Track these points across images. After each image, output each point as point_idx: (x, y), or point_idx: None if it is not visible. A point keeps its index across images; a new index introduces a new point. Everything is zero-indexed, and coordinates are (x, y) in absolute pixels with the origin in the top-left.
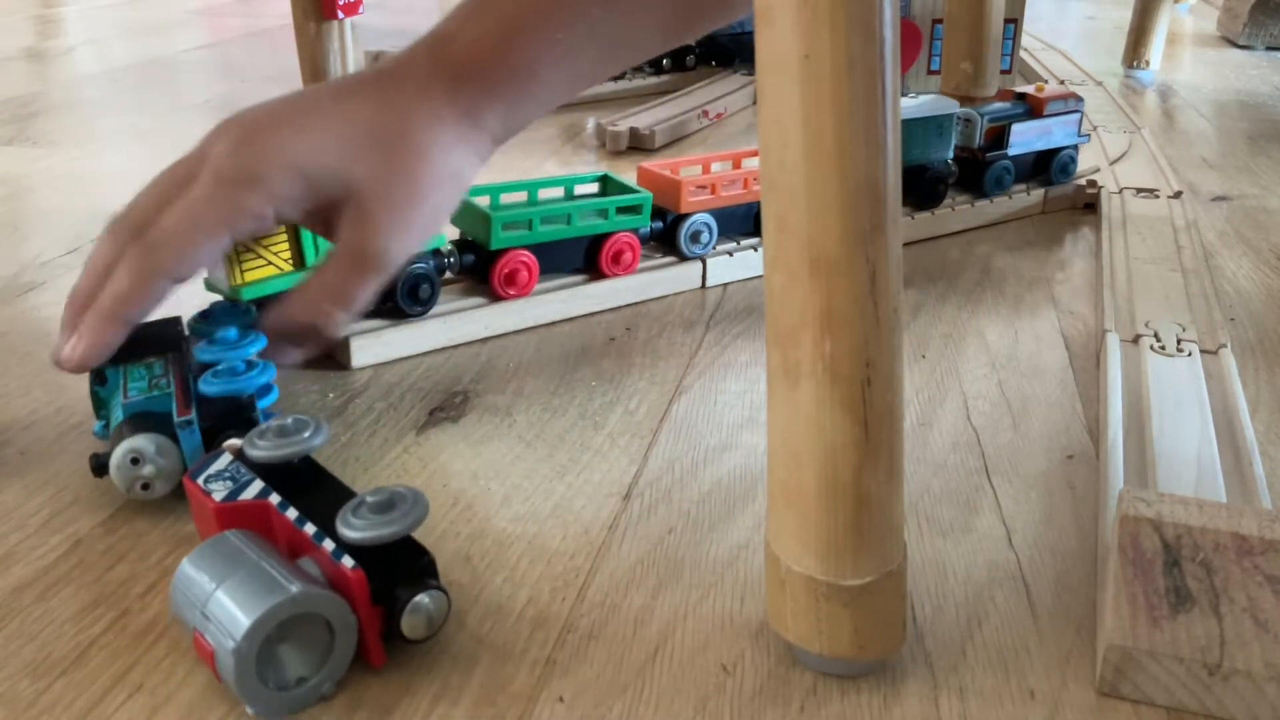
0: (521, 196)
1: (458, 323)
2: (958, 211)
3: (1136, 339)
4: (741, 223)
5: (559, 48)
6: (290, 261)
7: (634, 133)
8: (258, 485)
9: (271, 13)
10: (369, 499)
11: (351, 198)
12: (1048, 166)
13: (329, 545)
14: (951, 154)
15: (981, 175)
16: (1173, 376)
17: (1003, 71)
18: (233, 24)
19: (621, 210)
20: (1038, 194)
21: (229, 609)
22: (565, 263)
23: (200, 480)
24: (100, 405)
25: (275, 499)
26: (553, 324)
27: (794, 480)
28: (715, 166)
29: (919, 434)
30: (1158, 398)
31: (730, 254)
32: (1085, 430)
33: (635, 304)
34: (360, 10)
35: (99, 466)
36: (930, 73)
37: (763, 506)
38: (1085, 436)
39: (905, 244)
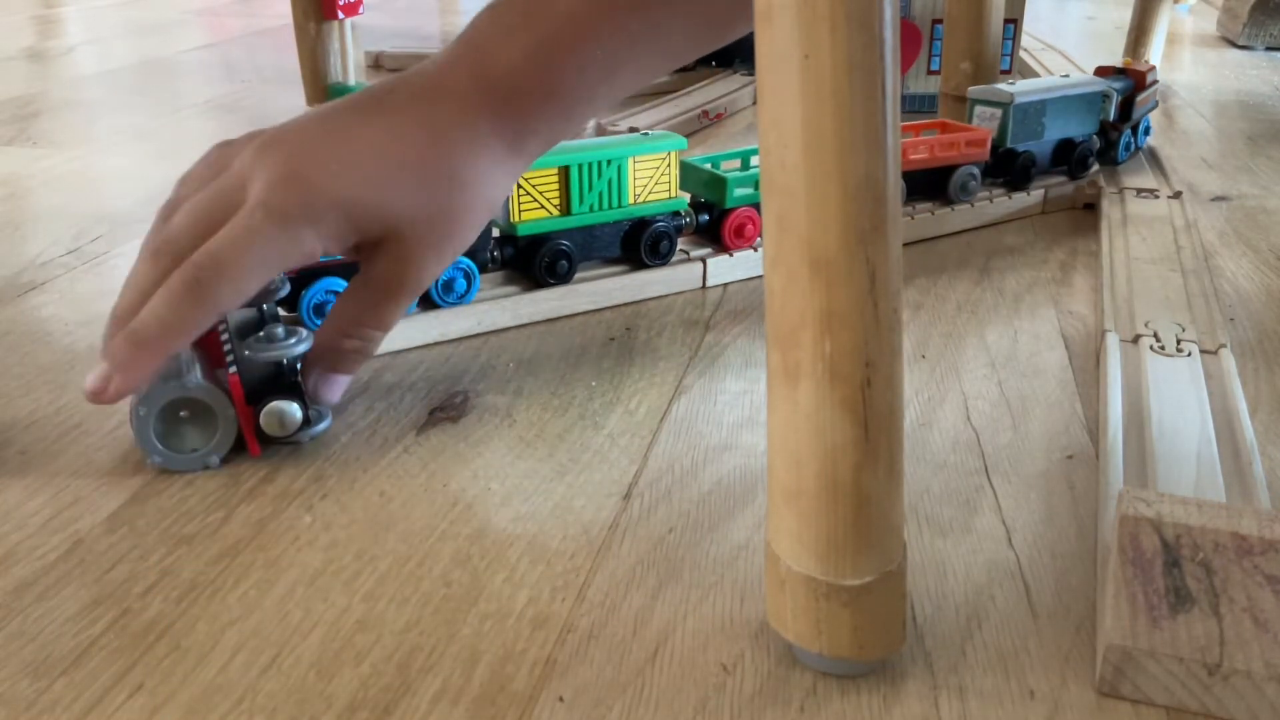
0: (735, 164)
1: (450, 317)
2: (957, 211)
3: (1136, 339)
4: (928, 187)
5: (599, 64)
6: (559, 207)
7: (633, 133)
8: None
9: (271, 13)
10: (277, 331)
11: (391, 234)
12: (1134, 134)
13: (230, 359)
14: (1097, 128)
15: (1116, 145)
16: (1172, 376)
17: (1003, 71)
18: (233, 24)
19: None
20: (1038, 194)
21: (145, 388)
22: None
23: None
24: None
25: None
26: (553, 321)
27: (794, 480)
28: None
29: (919, 434)
30: (1157, 398)
31: (730, 254)
32: (1085, 430)
33: (635, 304)
34: (360, 10)
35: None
36: (930, 73)
37: (763, 506)
38: (1085, 436)
39: (905, 244)
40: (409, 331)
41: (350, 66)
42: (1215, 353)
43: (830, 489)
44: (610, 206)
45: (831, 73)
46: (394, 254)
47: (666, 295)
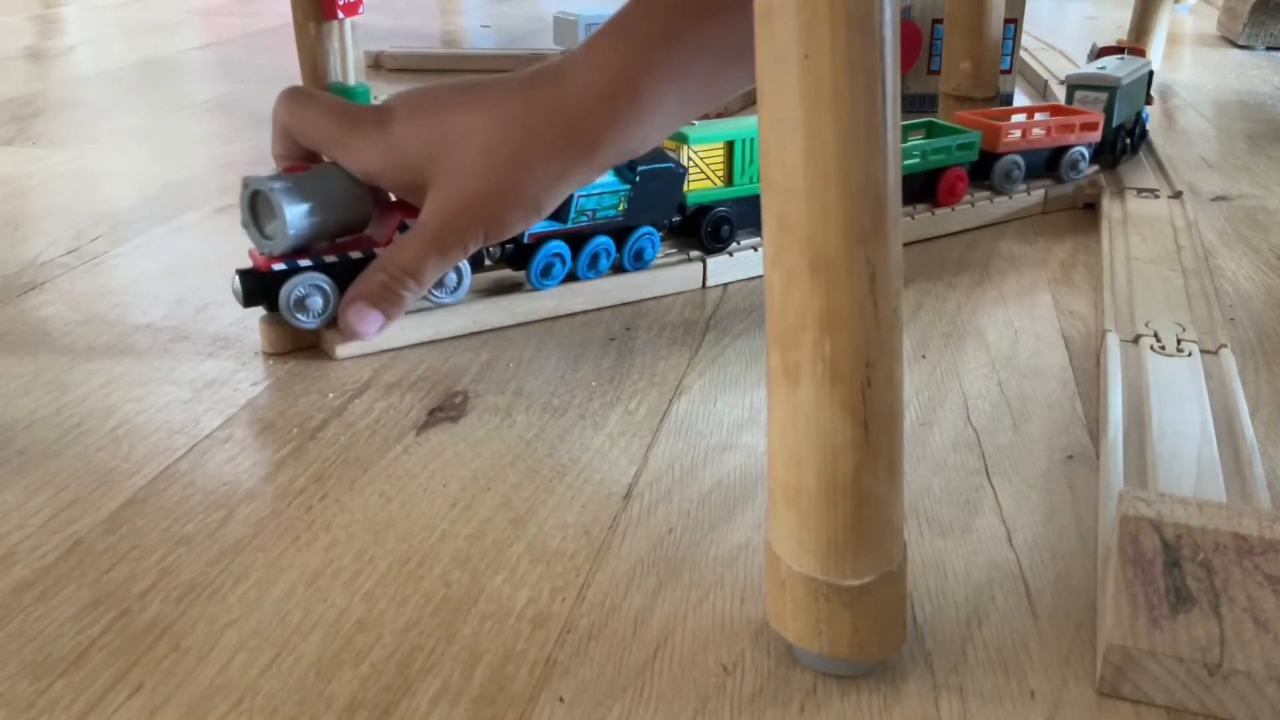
0: None
1: (445, 316)
2: (957, 212)
3: (1137, 339)
4: (1043, 165)
5: (676, 88)
6: (723, 178)
7: None
8: None
9: (271, 13)
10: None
11: (442, 190)
12: None
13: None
14: (1146, 100)
15: (1143, 122)
16: (1173, 376)
17: (1002, 72)
18: (233, 24)
19: (959, 148)
20: (1038, 194)
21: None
22: (911, 193)
23: None
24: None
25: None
26: (553, 320)
27: (794, 480)
28: (1014, 118)
29: (919, 434)
30: (1158, 398)
31: (730, 254)
32: (1085, 430)
33: (635, 303)
34: (360, 10)
35: None
36: (930, 73)
37: (763, 506)
38: (1085, 436)
39: (905, 244)
40: (405, 330)
41: (350, 66)
42: (1215, 353)
43: (830, 489)
44: None
45: (831, 73)
46: (436, 206)
47: (666, 295)
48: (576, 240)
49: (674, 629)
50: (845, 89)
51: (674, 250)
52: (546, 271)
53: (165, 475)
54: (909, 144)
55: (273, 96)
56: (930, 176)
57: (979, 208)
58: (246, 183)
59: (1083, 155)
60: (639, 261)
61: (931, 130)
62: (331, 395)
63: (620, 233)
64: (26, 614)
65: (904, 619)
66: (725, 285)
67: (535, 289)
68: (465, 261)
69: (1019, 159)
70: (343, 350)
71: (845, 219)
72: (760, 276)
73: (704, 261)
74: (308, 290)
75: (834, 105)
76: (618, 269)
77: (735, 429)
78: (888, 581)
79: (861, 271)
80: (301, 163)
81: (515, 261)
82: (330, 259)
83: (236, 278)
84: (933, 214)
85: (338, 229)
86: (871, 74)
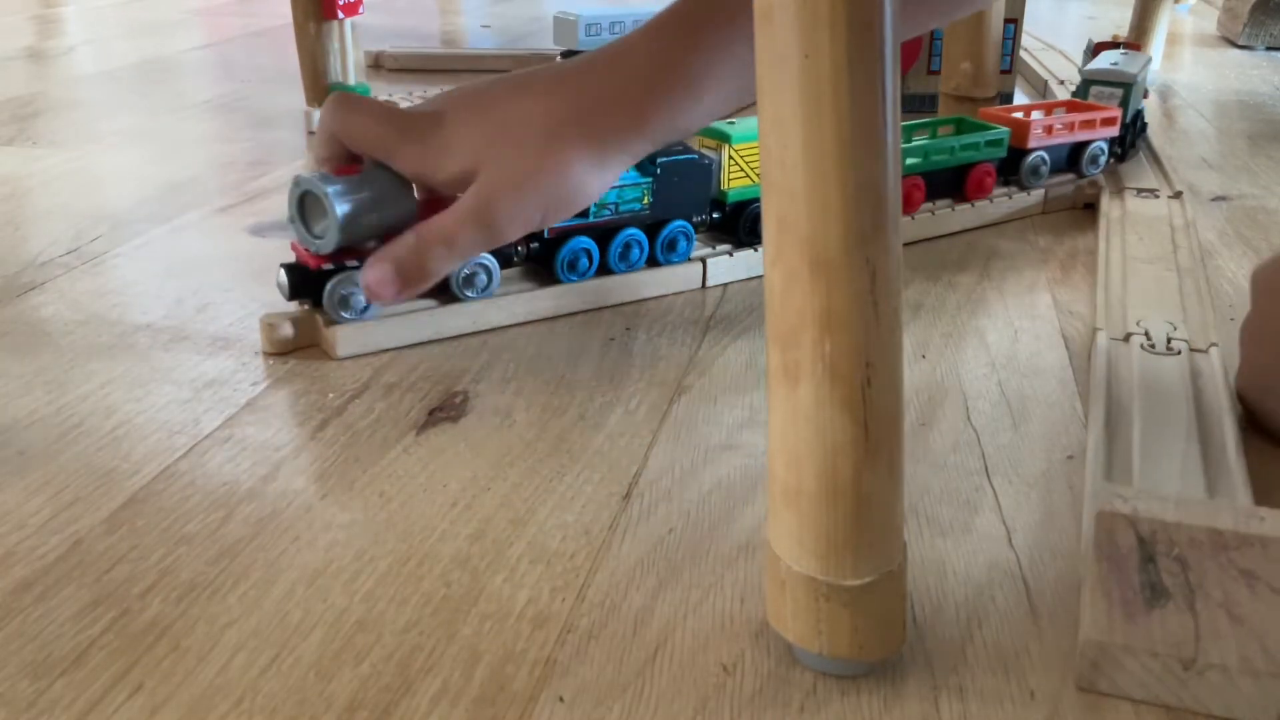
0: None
1: (446, 315)
2: (957, 211)
3: (1127, 338)
4: (1065, 160)
5: (728, 68)
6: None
7: None
8: None
9: (271, 13)
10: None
11: (479, 176)
12: None
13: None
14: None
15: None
16: (1161, 375)
17: (1002, 72)
18: (233, 24)
19: (988, 144)
20: (1038, 194)
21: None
22: (940, 188)
23: None
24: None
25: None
26: (553, 320)
27: (794, 480)
28: (1034, 114)
29: (919, 434)
30: (1144, 396)
31: (730, 254)
32: (1085, 430)
33: (635, 303)
34: (360, 10)
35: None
36: (930, 73)
37: (763, 506)
38: (1085, 436)
39: (905, 244)
40: (405, 330)
41: (350, 66)
42: (1206, 351)
43: (830, 489)
44: None
45: (831, 73)
46: (485, 183)
47: (666, 295)
48: (604, 235)
49: (674, 629)
50: (845, 89)
51: (710, 245)
52: (573, 266)
53: (165, 475)
54: (939, 140)
55: (273, 96)
56: (959, 172)
57: (979, 207)
58: (298, 182)
59: (1102, 149)
60: (672, 254)
61: (961, 127)
62: (331, 395)
63: (651, 227)
64: (26, 614)
65: (904, 619)
66: (725, 285)
67: (562, 283)
68: (495, 261)
69: (1045, 154)
70: (343, 350)
71: (845, 219)
72: (760, 276)
73: (704, 262)
74: (350, 288)
75: (834, 105)
76: (652, 262)
77: (735, 429)
78: (888, 581)
79: (861, 272)
80: (345, 165)
81: (541, 258)
82: None
83: (282, 271)
84: (933, 214)
85: (384, 229)
86: (871, 74)
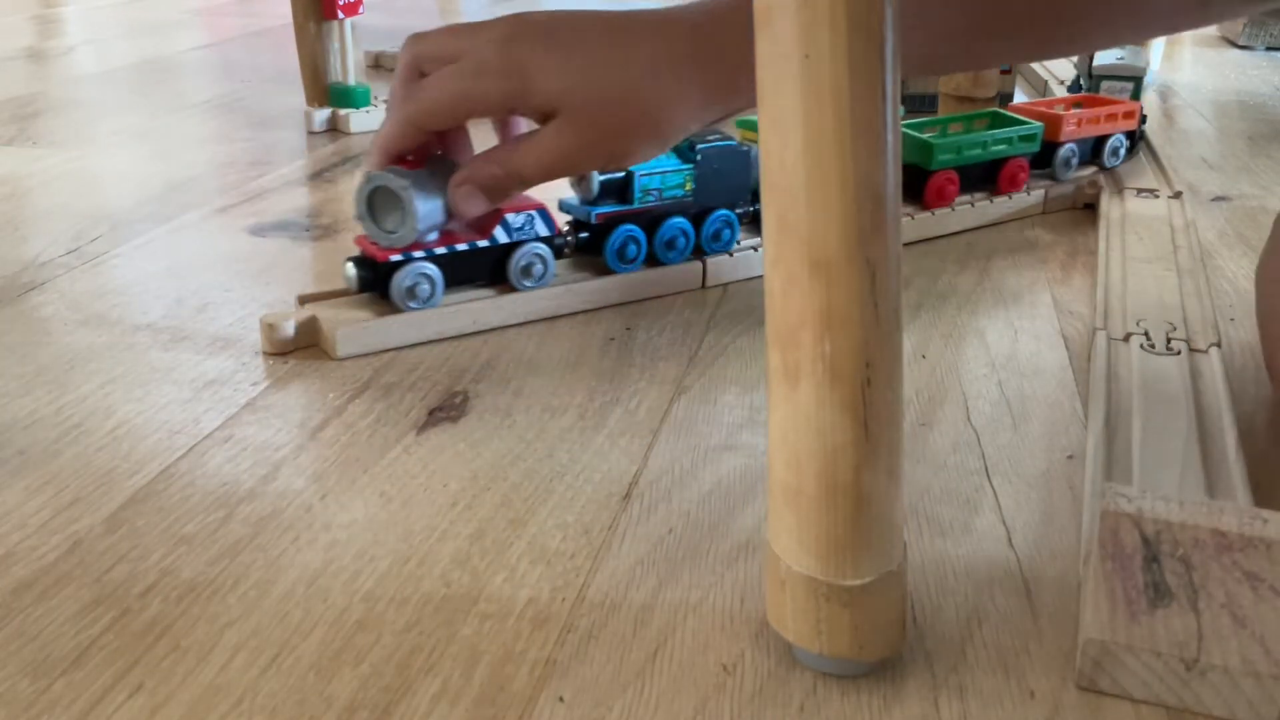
0: (935, 130)
1: (445, 316)
2: (957, 211)
3: (1127, 338)
4: (1089, 152)
5: None
6: None
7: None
8: None
9: (271, 13)
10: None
11: (564, 108)
12: None
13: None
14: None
15: None
16: (1160, 375)
17: (1002, 72)
18: (233, 24)
19: (1022, 139)
20: (1038, 194)
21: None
22: (973, 182)
23: None
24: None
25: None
26: (553, 320)
27: (794, 480)
28: (1056, 109)
29: (919, 434)
30: (1144, 396)
31: (730, 254)
32: (1085, 430)
33: (635, 303)
34: (360, 10)
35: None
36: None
37: (763, 506)
38: (1085, 436)
39: (905, 244)
40: (405, 330)
41: (350, 66)
42: (1206, 351)
43: (830, 489)
44: None
45: (831, 73)
46: (563, 124)
47: (666, 295)
48: (650, 223)
49: (674, 629)
50: (845, 89)
51: (753, 237)
52: (622, 254)
53: (165, 475)
54: (974, 135)
55: (273, 96)
56: (993, 166)
57: (979, 207)
58: (369, 178)
59: (1122, 142)
60: (717, 243)
61: (995, 121)
62: (331, 395)
63: (696, 217)
64: (26, 614)
65: (904, 619)
66: (725, 285)
67: (614, 272)
68: (549, 251)
69: (1075, 147)
70: (343, 350)
71: (845, 219)
72: (760, 276)
73: (704, 261)
74: (416, 279)
75: (834, 105)
76: (698, 251)
77: (735, 429)
78: (888, 581)
79: (861, 272)
80: (406, 158)
81: (590, 246)
82: (439, 250)
83: (350, 265)
84: (932, 214)
85: (450, 220)
86: (871, 74)
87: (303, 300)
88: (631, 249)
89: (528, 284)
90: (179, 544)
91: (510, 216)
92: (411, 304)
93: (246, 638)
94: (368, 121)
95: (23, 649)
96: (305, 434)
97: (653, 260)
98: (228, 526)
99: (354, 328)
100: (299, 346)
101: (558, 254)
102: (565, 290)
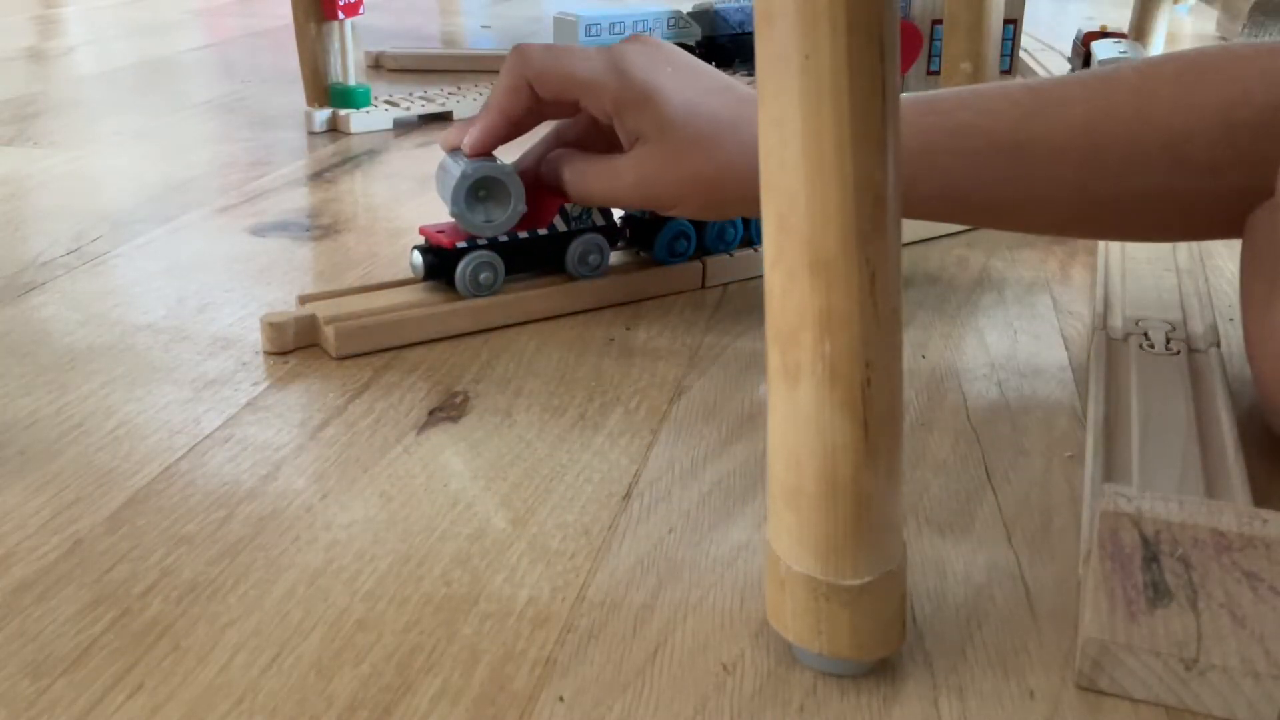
0: None
1: (445, 316)
2: None
3: (1127, 338)
4: None
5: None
6: None
7: None
8: None
9: (271, 13)
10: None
11: (647, 138)
12: None
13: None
14: None
15: None
16: (1159, 375)
17: (1002, 72)
18: (233, 24)
19: None
20: None
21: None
22: None
23: None
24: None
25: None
26: (554, 319)
27: (794, 480)
28: None
29: (919, 434)
30: (1143, 396)
31: (730, 254)
32: (1085, 430)
33: (635, 303)
34: (360, 11)
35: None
36: (930, 73)
37: (763, 506)
38: (1085, 436)
39: (905, 244)
40: (405, 330)
41: (350, 67)
42: (1205, 352)
43: (830, 489)
44: None
45: (831, 73)
46: (655, 166)
47: (666, 295)
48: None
49: (674, 629)
50: (845, 89)
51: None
52: (673, 248)
53: (165, 475)
54: None
55: (273, 96)
56: None
57: None
58: (473, 169)
59: None
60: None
61: None
62: (331, 395)
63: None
64: (26, 614)
65: (904, 619)
66: (725, 285)
67: (661, 264)
68: (605, 241)
69: None
70: (343, 350)
71: (845, 219)
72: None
73: (704, 261)
74: (480, 266)
75: (834, 105)
76: (746, 243)
77: (735, 429)
78: (887, 581)
79: (861, 272)
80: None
81: (642, 240)
82: (502, 239)
83: (416, 254)
84: None
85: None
86: (871, 74)
87: (303, 300)
88: (682, 243)
89: (583, 271)
90: (179, 544)
91: (568, 206)
92: (473, 290)
93: (247, 637)
94: (368, 122)
95: (23, 649)
96: (305, 434)
97: (702, 251)
98: (228, 526)
99: (354, 327)
100: (299, 346)
101: (612, 245)
102: (565, 290)
